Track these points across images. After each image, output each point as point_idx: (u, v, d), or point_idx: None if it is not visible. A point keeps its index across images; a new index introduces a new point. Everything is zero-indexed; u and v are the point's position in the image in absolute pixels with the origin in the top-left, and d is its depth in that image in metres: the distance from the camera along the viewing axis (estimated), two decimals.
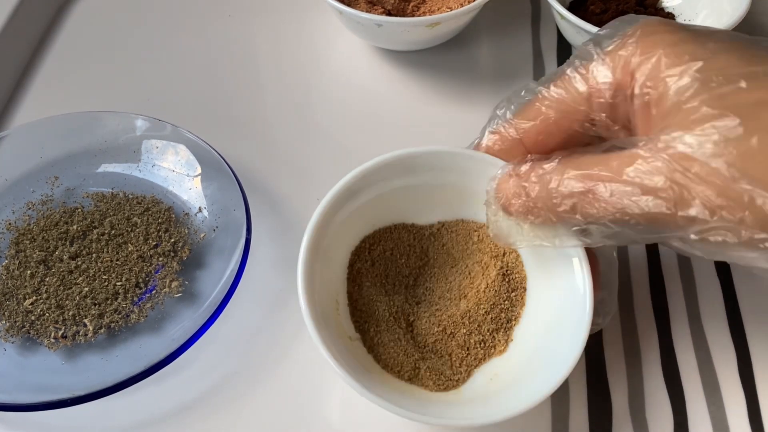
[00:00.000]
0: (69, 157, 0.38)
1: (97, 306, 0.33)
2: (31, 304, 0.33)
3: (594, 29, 0.38)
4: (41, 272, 0.34)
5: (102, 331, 0.32)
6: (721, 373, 0.32)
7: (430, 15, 0.41)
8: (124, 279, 0.33)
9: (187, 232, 0.35)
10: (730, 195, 0.21)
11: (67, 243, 0.35)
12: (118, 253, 0.34)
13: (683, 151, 0.21)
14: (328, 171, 0.36)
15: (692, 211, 0.21)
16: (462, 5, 0.42)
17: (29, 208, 0.37)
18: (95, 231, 0.35)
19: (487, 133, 0.29)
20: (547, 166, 0.25)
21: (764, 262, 0.22)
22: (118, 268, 0.34)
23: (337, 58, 0.45)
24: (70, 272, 0.34)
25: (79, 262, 0.34)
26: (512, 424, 0.30)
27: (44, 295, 0.33)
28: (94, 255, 0.34)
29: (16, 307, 0.33)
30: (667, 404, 0.31)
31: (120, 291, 0.33)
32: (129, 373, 0.29)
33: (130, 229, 0.35)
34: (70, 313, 0.32)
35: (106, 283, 0.33)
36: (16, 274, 0.34)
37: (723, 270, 0.35)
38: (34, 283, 0.33)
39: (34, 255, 0.34)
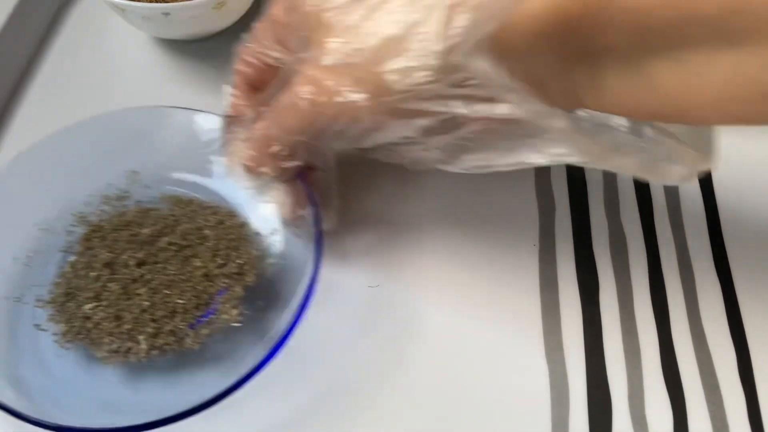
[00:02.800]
0: (150, 152, 0.36)
1: (153, 323, 0.30)
2: (92, 308, 0.31)
3: None
4: (105, 276, 0.32)
5: (154, 352, 0.30)
6: (721, 373, 0.32)
7: None
8: (185, 298, 0.31)
9: (255, 254, 0.33)
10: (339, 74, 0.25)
11: (136, 247, 0.33)
12: (183, 267, 0.32)
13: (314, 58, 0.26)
14: None
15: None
16: None
17: (104, 203, 0.35)
18: (165, 239, 0.33)
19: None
20: (257, 125, 0.30)
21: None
22: (181, 284, 0.31)
23: None
24: (134, 281, 0.32)
25: (144, 272, 0.32)
26: (512, 424, 0.30)
27: (105, 302, 0.31)
28: (160, 265, 0.32)
29: (75, 310, 0.31)
30: (667, 404, 0.31)
31: (179, 310, 0.31)
32: (188, 402, 0.27)
33: (200, 242, 0.33)
34: (127, 326, 0.30)
35: (167, 300, 0.31)
36: (81, 274, 0.32)
37: (723, 270, 0.35)
38: (96, 287, 0.31)
39: (102, 255, 0.32)
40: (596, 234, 0.36)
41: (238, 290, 0.31)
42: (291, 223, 0.32)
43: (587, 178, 0.38)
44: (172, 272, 0.32)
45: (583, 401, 0.31)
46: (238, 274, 0.32)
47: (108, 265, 0.32)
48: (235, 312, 0.31)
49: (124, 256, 0.32)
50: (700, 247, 0.36)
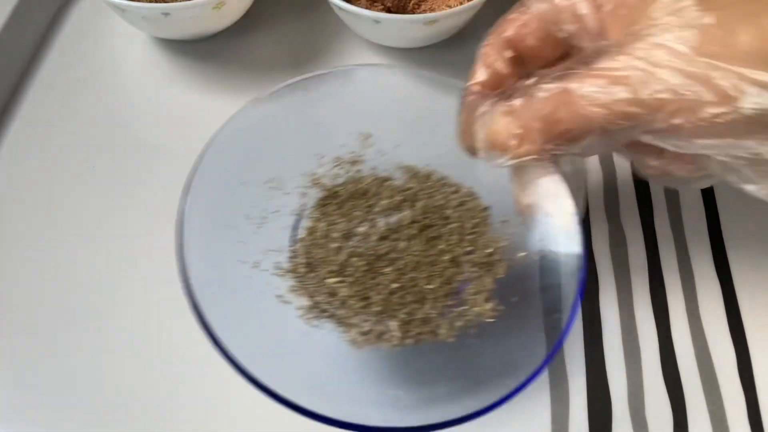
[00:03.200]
0: (386, 113, 0.32)
1: (404, 308, 0.27)
2: (336, 283, 0.28)
3: None
4: (348, 249, 0.29)
5: (408, 341, 0.27)
6: (721, 373, 0.32)
7: (429, 12, 0.41)
8: (434, 283, 0.28)
9: (505, 244, 0.30)
10: (689, 73, 0.22)
11: (376, 219, 0.30)
12: (428, 248, 0.29)
13: (652, 42, 0.22)
14: None
15: (655, 94, 0.22)
16: (461, 3, 0.42)
17: (337, 165, 0.32)
18: (406, 214, 0.30)
19: (480, 55, 0.29)
20: (528, 81, 0.26)
21: (724, 150, 0.23)
22: (428, 268, 0.28)
23: (340, 52, 0.45)
24: (378, 258, 0.29)
25: (387, 248, 0.29)
26: (511, 424, 0.30)
27: (350, 278, 0.28)
28: (403, 243, 0.29)
29: (318, 284, 0.28)
30: (667, 404, 0.31)
31: (429, 297, 0.28)
32: (447, 413, 0.24)
33: (442, 223, 0.30)
34: (376, 308, 0.27)
35: (415, 283, 0.28)
36: (320, 243, 0.29)
37: (723, 270, 0.35)
38: (339, 260, 0.29)
39: (340, 224, 0.30)
40: (596, 233, 0.36)
41: (489, 281, 0.28)
42: (536, 214, 0.28)
43: (587, 178, 0.38)
44: (417, 253, 0.29)
45: (583, 401, 0.31)
46: (487, 263, 0.29)
47: (347, 235, 0.29)
48: (488, 306, 0.28)
49: (363, 228, 0.30)
50: (700, 247, 0.36)
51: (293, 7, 0.48)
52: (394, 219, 0.30)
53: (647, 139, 0.24)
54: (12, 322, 0.34)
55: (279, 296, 0.29)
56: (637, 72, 0.22)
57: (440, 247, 0.29)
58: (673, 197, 0.37)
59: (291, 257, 0.30)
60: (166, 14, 0.40)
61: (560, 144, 0.25)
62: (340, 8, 0.41)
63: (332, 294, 0.28)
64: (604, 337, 0.33)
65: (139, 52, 0.46)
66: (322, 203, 0.31)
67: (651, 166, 0.27)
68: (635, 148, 0.27)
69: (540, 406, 0.31)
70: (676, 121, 0.22)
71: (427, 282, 0.28)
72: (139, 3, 0.40)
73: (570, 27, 0.27)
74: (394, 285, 0.28)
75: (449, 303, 0.28)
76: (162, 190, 0.39)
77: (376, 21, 0.40)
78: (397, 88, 0.32)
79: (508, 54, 0.28)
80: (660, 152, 0.26)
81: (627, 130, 0.23)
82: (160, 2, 0.40)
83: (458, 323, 0.28)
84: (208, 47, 0.45)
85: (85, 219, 0.38)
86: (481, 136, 0.27)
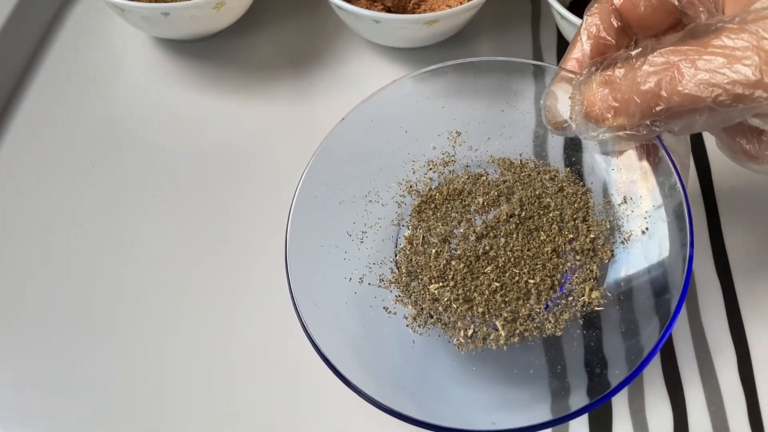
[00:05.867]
0: (473, 109, 0.32)
1: (507, 306, 0.27)
2: (438, 289, 0.28)
3: None
4: (446, 253, 0.29)
5: (514, 339, 0.27)
6: (721, 373, 0.32)
7: (429, 12, 0.41)
8: (537, 277, 0.28)
9: (608, 227, 0.29)
10: None
11: (473, 219, 0.30)
12: (529, 242, 0.29)
13: None
14: None
15: None
16: (461, 3, 0.42)
17: (430, 169, 0.32)
18: (503, 209, 0.30)
19: (586, 18, 0.28)
20: (633, 51, 0.24)
21: None
22: (530, 262, 0.28)
23: (340, 52, 0.45)
24: (477, 258, 0.28)
25: (486, 247, 0.29)
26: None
27: (451, 282, 0.28)
28: (502, 240, 0.29)
29: (422, 292, 0.29)
30: (667, 404, 0.31)
31: (532, 291, 0.28)
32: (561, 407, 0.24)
33: (542, 212, 0.29)
34: (480, 309, 0.27)
35: (517, 279, 0.28)
36: (420, 250, 0.30)
37: (723, 270, 0.35)
38: (439, 265, 0.29)
39: (438, 228, 0.30)
40: None
41: (594, 268, 0.28)
42: (638, 190, 0.28)
43: (585, 176, 0.38)
44: (518, 248, 0.29)
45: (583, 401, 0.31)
46: (591, 250, 0.28)
47: (445, 239, 0.30)
48: (595, 294, 0.27)
49: (461, 229, 0.30)
50: (699, 246, 0.36)
51: (293, 7, 0.48)
52: (491, 216, 0.30)
53: (755, 122, 0.23)
54: (12, 322, 0.34)
55: (386, 308, 0.29)
56: (761, 53, 0.21)
57: (541, 238, 0.29)
58: None
59: (393, 268, 0.30)
60: (166, 14, 0.40)
61: (659, 120, 0.24)
62: (340, 8, 0.41)
63: (435, 300, 0.28)
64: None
65: (139, 52, 0.46)
66: (419, 209, 0.31)
67: (745, 150, 0.26)
68: (732, 129, 0.26)
69: (540, 406, 0.31)
70: None
71: (530, 276, 0.28)
72: (138, 3, 0.40)
73: None
74: (496, 284, 0.28)
75: (554, 296, 0.28)
76: (162, 190, 0.39)
77: (376, 21, 0.40)
78: (479, 80, 0.32)
79: (616, 23, 0.27)
80: (758, 135, 0.25)
81: (738, 111, 0.22)
82: (160, 2, 0.40)
83: (564, 316, 0.27)
84: (208, 47, 0.45)
85: (85, 218, 0.38)
86: (576, 106, 0.25)
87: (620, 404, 0.31)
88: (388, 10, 0.43)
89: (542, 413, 0.25)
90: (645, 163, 0.27)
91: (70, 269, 0.36)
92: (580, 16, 0.40)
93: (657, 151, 0.27)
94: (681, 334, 0.33)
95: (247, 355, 0.33)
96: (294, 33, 0.47)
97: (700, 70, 0.22)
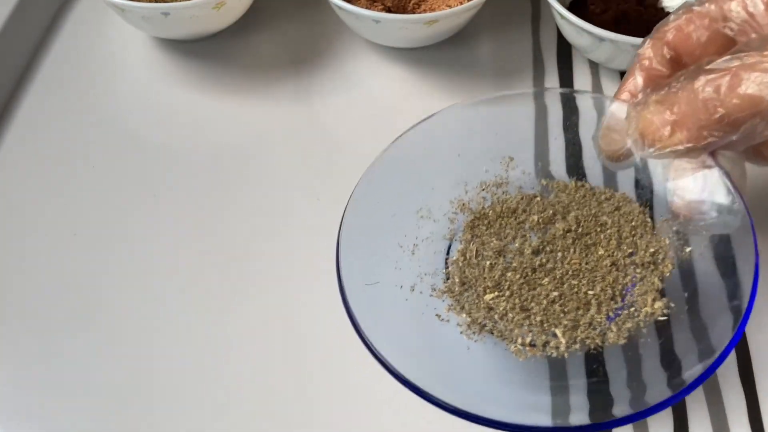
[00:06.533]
0: (525, 138, 0.34)
1: (566, 315, 0.28)
2: (492, 299, 0.29)
3: (594, 29, 0.38)
4: (501, 265, 0.30)
5: (575, 346, 0.27)
6: (721, 373, 0.32)
7: (429, 12, 0.42)
8: (597, 288, 0.28)
9: (668, 242, 0.30)
10: None
11: (528, 235, 0.31)
12: (587, 255, 0.29)
13: None
14: None
15: None
16: (461, 3, 0.42)
17: (483, 189, 0.33)
18: (559, 226, 0.30)
19: (639, 57, 0.28)
20: (690, 68, 0.25)
21: None
22: (588, 274, 0.29)
23: (340, 52, 0.45)
24: (533, 270, 0.29)
25: (543, 260, 0.29)
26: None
27: (507, 293, 0.29)
28: (559, 254, 0.29)
29: (476, 300, 0.29)
30: None
31: (592, 302, 0.28)
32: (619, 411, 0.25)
33: (599, 230, 0.30)
34: (537, 318, 0.28)
35: (576, 290, 0.28)
36: (473, 263, 0.30)
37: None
38: (494, 276, 0.29)
39: (492, 243, 0.31)
40: None
41: (655, 281, 0.28)
42: (699, 210, 0.28)
43: (587, 177, 0.38)
44: (576, 262, 0.29)
45: (584, 400, 0.31)
46: (651, 263, 0.29)
47: (499, 252, 0.30)
48: (659, 304, 0.28)
49: (516, 244, 0.30)
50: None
51: (293, 7, 0.48)
52: (547, 233, 0.30)
53: None
54: (12, 322, 0.34)
55: (438, 315, 0.30)
56: None
57: (599, 253, 0.29)
58: None
59: (445, 279, 0.31)
60: (166, 14, 0.40)
61: (717, 131, 0.24)
62: (340, 8, 0.41)
63: (490, 309, 0.29)
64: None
65: (139, 52, 0.46)
66: (471, 225, 0.32)
67: None
68: None
69: (540, 406, 0.31)
70: None
71: (589, 288, 0.28)
72: (138, 3, 0.40)
73: (738, 23, 0.26)
74: (554, 293, 0.28)
75: (615, 306, 0.28)
76: (162, 189, 0.39)
77: (376, 21, 0.40)
78: (534, 110, 0.34)
79: (668, 54, 0.28)
80: None
81: None
82: (160, 2, 0.40)
83: (627, 325, 0.28)
84: (208, 47, 0.45)
85: (84, 218, 0.38)
86: (632, 123, 0.26)
87: (621, 403, 0.31)
88: (388, 10, 0.43)
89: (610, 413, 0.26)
90: (703, 181, 0.27)
91: (69, 269, 0.36)
92: (581, 15, 0.41)
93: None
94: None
95: (246, 355, 0.33)
96: (294, 33, 0.47)
97: (759, 71, 0.22)
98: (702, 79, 0.24)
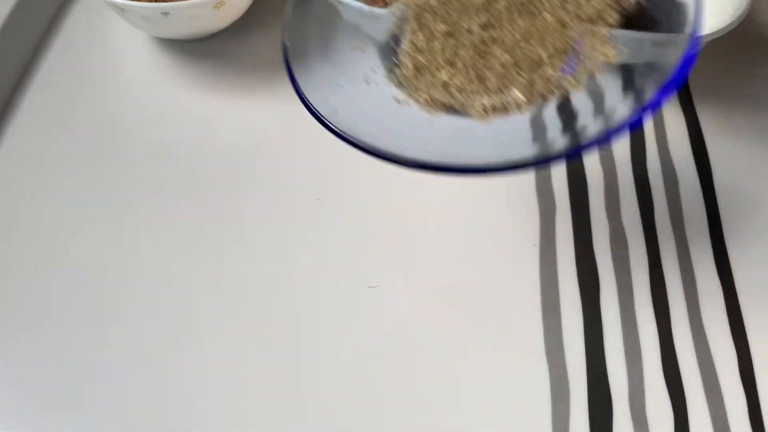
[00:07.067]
0: None
1: (522, 75, 0.29)
2: (448, 75, 0.30)
3: None
4: (451, 44, 0.31)
5: (537, 101, 0.28)
6: (721, 373, 0.32)
7: None
8: (548, 47, 0.29)
9: None
10: None
11: (473, 14, 0.31)
12: (533, 21, 0.30)
13: None
14: None
15: None
16: None
17: None
18: (502, 2, 0.31)
19: None
20: None
21: None
22: (537, 36, 0.30)
23: None
24: (484, 43, 0.30)
25: (493, 34, 0.30)
26: (512, 424, 0.30)
27: (461, 67, 0.30)
28: (506, 24, 0.30)
29: (431, 80, 0.30)
30: (667, 404, 0.31)
31: (545, 58, 0.29)
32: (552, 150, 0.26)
33: None
34: (494, 83, 0.29)
35: (527, 52, 0.30)
36: (425, 48, 0.31)
37: (723, 270, 0.35)
38: (446, 56, 0.31)
39: (440, 28, 0.31)
40: (596, 234, 0.36)
41: (603, 30, 0.29)
42: None
43: (587, 178, 0.38)
44: (523, 27, 0.30)
45: (584, 401, 0.31)
46: (596, 15, 0.30)
47: (449, 34, 0.31)
48: (610, 52, 0.28)
49: (463, 24, 0.31)
50: (700, 246, 0.36)
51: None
52: (491, 9, 0.31)
53: None
54: (12, 322, 0.34)
55: (395, 98, 0.31)
56: None
57: (545, 16, 0.30)
58: (673, 197, 0.37)
59: (398, 70, 0.31)
60: (166, 14, 0.40)
61: None
62: (340, 2, 0.41)
63: (447, 85, 0.30)
64: (605, 337, 0.33)
65: (139, 52, 0.46)
66: (416, 15, 0.32)
67: None
68: None
69: (541, 406, 0.31)
70: None
71: (540, 48, 0.29)
72: (138, 3, 0.40)
73: None
74: (507, 58, 0.29)
75: (567, 58, 0.29)
76: (162, 189, 0.39)
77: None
78: None
79: None
80: None
81: None
82: (160, 2, 0.40)
83: (582, 74, 0.28)
84: (208, 47, 0.45)
85: (84, 218, 0.38)
86: None
87: (620, 404, 0.31)
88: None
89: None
90: None
91: (70, 269, 0.36)
92: None
93: None
94: (681, 333, 0.33)
95: (244, 355, 0.33)
96: None
97: None
98: None
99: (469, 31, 0.31)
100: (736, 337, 0.33)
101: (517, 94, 0.29)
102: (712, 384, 0.31)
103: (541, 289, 0.34)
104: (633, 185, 0.38)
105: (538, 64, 0.29)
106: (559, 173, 0.38)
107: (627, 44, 0.29)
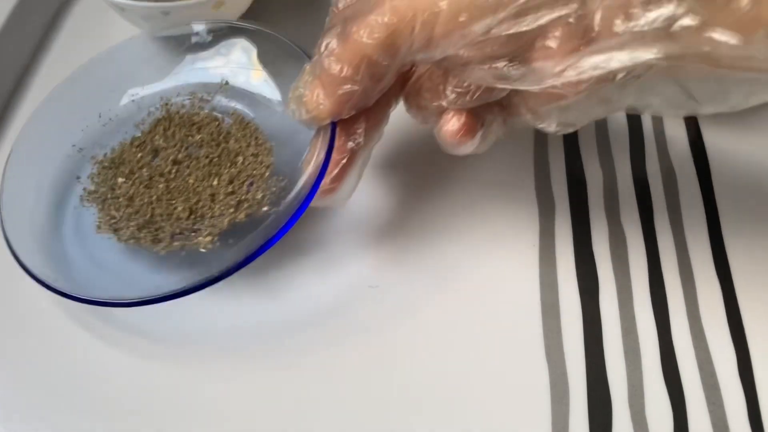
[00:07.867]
0: (242, 67, 0.39)
1: (154, 219, 0.33)
2: (122, 182, 0.35)
3: None
4: (146, 159, 0.36)
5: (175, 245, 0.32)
6: (721, 373, 0.32)
7: None
8: (182, 207, 0.34)
9: (259, 197, 0.33)
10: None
11: (182, 147, 0.36)
12: (203, 180, 0.35)
13: None
14: None
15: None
16: None
17: (190, 97, 0.38)
18: (205, 150, 0.36)
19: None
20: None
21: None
22: (187, 194, 0.34)
23: None
24: (161, 174, 0.35)
25: (174, 170, 0.35)
26: (512, 424, 0.30)
27: (137, 181, 0.35)
28: (187, 171, 0.35)
29: (112, 177, 0.35)
30: (667, 404, 0.31)
31: (174, 216, 0.33)
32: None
33: (229, 165, 0.35)
34: (130, 210, 0.34)
35: (170, 201, 0.34)
36: (134, 150, 0.36)
37: (723, 270, 0.35)
38: (134, 166, 0.35)
39: (157, 142, 0.36)
40: (596, 234, 0.36)
41: (224, 223, 0.32)
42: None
43: (587, 178, 0.38)
44: (191, 181, 0.34)
45: (583, 401, 0.31)
46: (234, 208, 0.33)
47: (155, 151, 0.36)
48: (208, 240, 0.32)
49: (169, 150, 0.36)
50: (700, 247, 0.36)
51: (293, 7, 0.48)
52: (194, 152, 0.36)
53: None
54: (12, 322, 0.34)
55: (78, 177, 0.36)
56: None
57: (213, 182, 0.34)
58: (673, 197, 0.37)
59: (107, 154, 0.37)
60: (166, 13, 0.40)
61: (348, 84, 0.27)
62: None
63: (113, 189, 0.35)
64: (604, 338, 0.33)
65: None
66: (156, 123, 0.37)
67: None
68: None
69: (540, 406, 0.31)
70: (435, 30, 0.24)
71: (182, 204, 0.33)
72: (138, 2, 0.40)
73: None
74: (155, 198, 0.34)
75: (187, 225, 0.33)
76: None
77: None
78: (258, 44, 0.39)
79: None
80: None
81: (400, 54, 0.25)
82: (160, 1, 0.40)
83: (176, 244, 0.32)
84: None
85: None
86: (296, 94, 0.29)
87: (620, 404, 0.31)
88: None
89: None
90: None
91: None
92: None
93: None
94: (681, 333, 0.33)
95: (242, 354, 0.33)
96: (294, 33, 0.46)
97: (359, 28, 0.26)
98: (319, 43, 0.27)
99: (166, 159, 0.35)
100: (735, 337, 0.33)
101: (130, 229, 0.33)
102: (712, 384, 0.31)
103: (540, 289, 0.34)
104: (632, 186, 0.38)
105: (168, 217, 0.33)
106: (558, 174, 0.39)
107: None
